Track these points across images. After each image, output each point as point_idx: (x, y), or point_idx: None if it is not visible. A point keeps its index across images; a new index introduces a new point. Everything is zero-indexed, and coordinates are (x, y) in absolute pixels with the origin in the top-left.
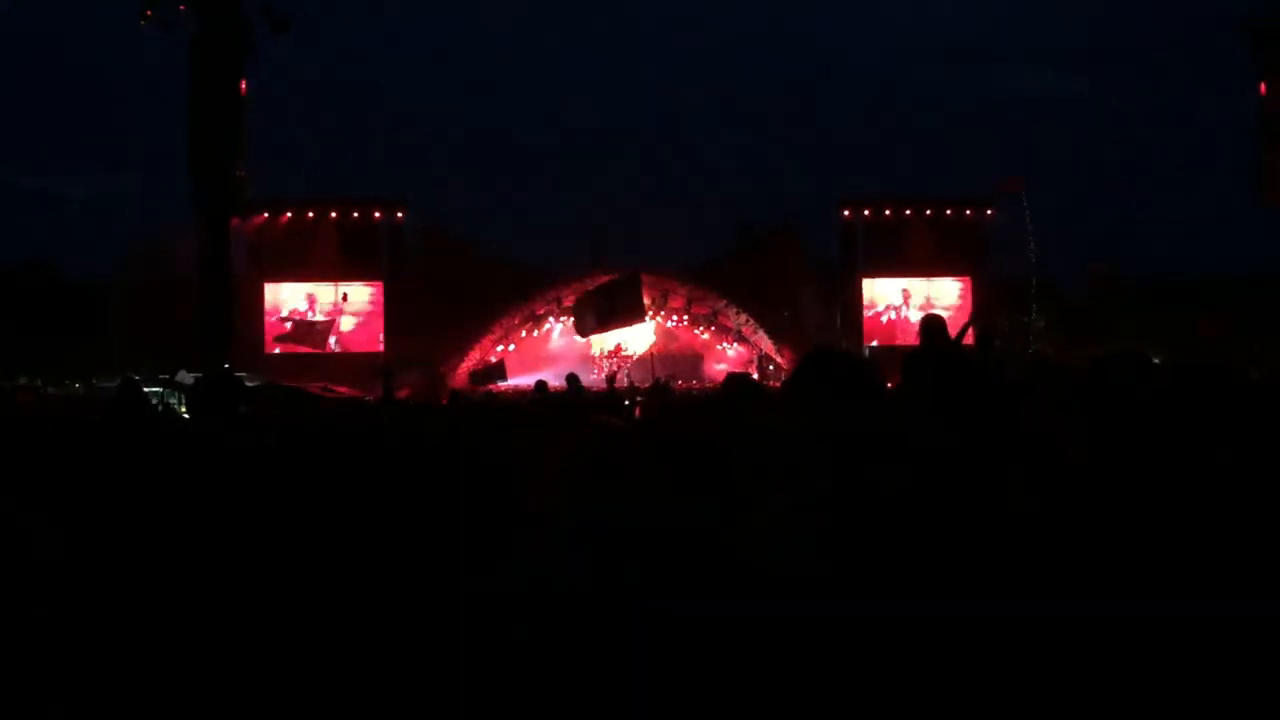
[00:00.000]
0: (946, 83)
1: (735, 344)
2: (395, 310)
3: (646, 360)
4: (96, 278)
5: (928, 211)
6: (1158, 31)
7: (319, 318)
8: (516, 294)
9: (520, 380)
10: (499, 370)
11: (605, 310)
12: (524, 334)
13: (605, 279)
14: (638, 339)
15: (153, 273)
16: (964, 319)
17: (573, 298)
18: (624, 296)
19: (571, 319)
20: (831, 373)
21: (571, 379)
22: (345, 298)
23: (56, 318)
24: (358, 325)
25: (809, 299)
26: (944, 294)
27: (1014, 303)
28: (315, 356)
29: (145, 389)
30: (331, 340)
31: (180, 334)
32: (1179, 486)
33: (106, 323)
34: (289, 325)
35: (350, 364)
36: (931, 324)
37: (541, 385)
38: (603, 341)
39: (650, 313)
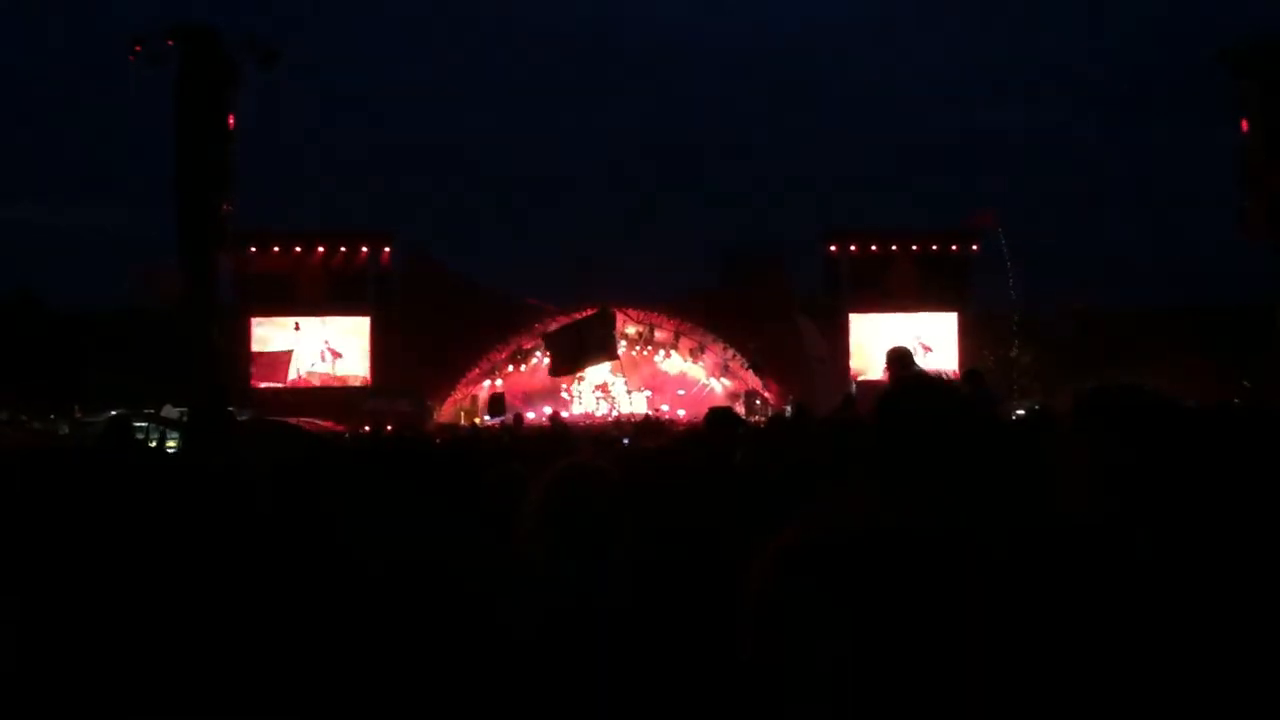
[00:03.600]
0: (933, 117)
1: (722, 378)
2: (382, 343)
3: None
4: (82, 310)
5: (914, 246)
6: (1138, 68)
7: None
8: (504, 328)
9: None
10: (500, 403)
11: (576, 348)
12: (510, 368)
13: (589, 312)
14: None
15: (138, 306)
16: (958, 354)
17: (545, 343)
18: (595, 334)
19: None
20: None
21: (554, 420)
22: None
23: (41, 349)
24: (338, 358)
25: (810, 332)
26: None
27: (998, 338)
28: (298, 391)
29: (133, 423)
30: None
31: (165, 368)
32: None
33: (91, 355)
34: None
35: (340, 396)
36: (900, 356)
37: (519, 418)
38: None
39: (639, 347)
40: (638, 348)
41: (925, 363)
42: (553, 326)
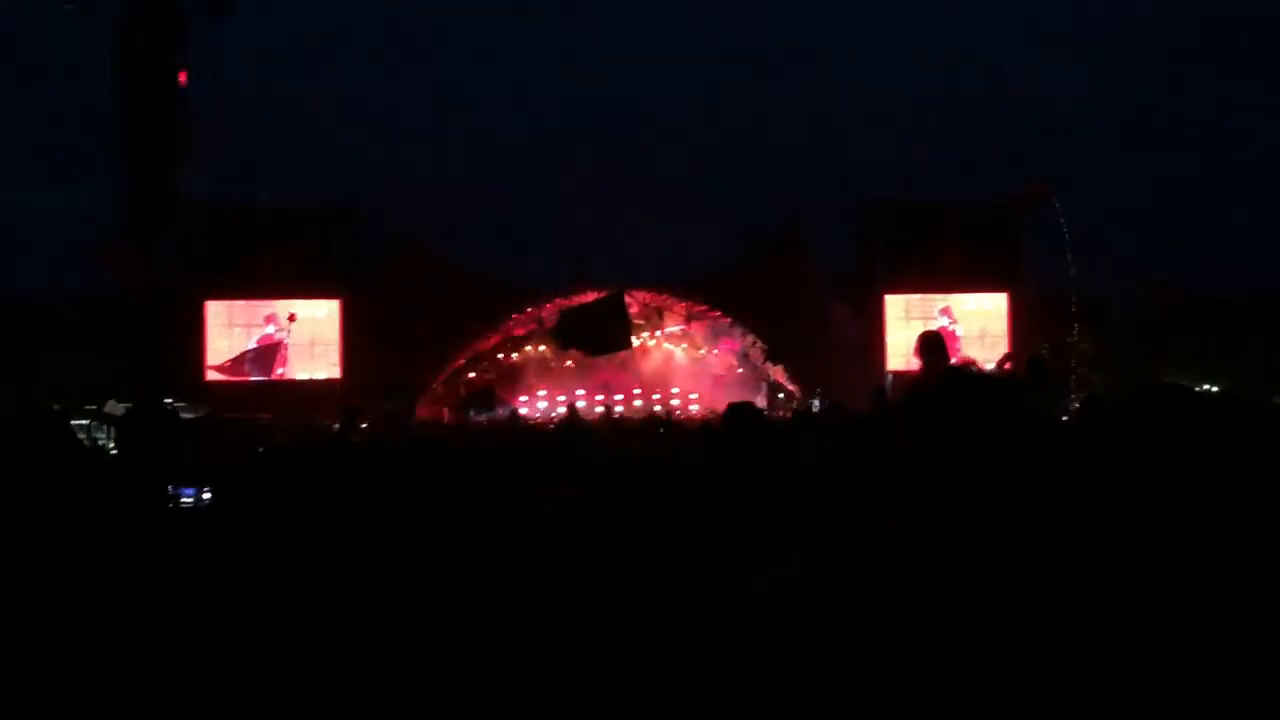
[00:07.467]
0: (984, 82)
1: (740, 368)
2: (354, 331)
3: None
4: (17, 298)
5: (956, 219)
6: (1230, 33)
7: (252, 345)
8: (492, 313)
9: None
10: (489, 397)
11: (593, 336)
12: (500, 357)
13: (592, 296)
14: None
15: (79, 291)
16: (1008, 339)
17: (556, 317)
18: (611, 321)
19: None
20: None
21: (570, 412)
22: (293, 318)
23: None
24: (310, 348)
25: (843, 318)
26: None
27: (1055, 322)
28: (263, 385)
29: (72, 422)
30: (279, 368)
31: (109, 359)
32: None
33: (28, 346)
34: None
35: (303, 391)
36: (929, 340)
37: (514, 415)
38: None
39: (647, 333)
40: (645, 334)
41: (959, 350)
42: (549, 311)
